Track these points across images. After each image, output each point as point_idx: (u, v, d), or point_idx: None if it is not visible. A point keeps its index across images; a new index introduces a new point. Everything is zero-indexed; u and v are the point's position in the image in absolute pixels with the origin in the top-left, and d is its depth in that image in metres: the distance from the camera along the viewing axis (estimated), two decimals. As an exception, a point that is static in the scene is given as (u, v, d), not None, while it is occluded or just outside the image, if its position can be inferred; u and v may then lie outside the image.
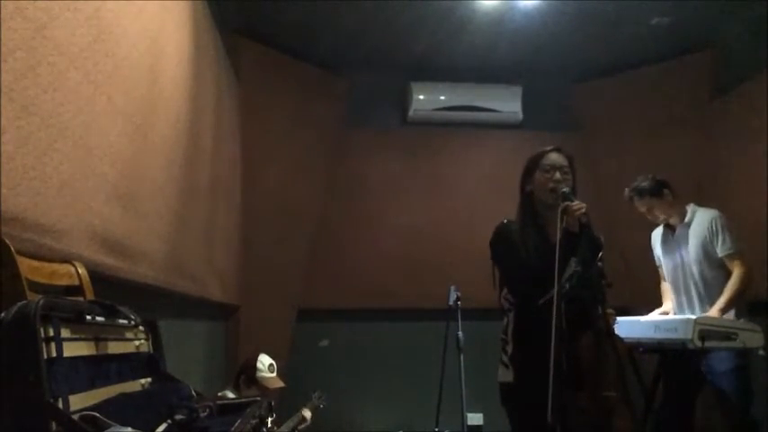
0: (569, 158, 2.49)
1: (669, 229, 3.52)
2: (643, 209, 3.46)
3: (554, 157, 2.47)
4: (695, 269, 3.35)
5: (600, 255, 2.34)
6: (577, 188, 2.46)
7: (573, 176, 2.46)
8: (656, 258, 3.65)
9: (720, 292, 3.22)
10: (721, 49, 4.49)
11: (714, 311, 3.13)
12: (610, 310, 2.31)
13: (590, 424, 2.20)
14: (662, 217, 3.47)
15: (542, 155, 2.49)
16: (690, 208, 3.44)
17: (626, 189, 3.48)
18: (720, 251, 3.26)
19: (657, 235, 3.62)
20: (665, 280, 3.62)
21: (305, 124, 4.70)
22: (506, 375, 2.41)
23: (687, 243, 3.39)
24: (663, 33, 4.32)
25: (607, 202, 4.70)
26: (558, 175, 2.42)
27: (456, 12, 4.09)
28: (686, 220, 3.41)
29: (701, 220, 3.36)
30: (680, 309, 3.46)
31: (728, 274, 3.25)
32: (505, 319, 2.48)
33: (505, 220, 2.55)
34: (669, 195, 3.41)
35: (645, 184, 3.42)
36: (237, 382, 3.35)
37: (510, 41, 4.45)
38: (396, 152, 5.08)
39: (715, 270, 3.29)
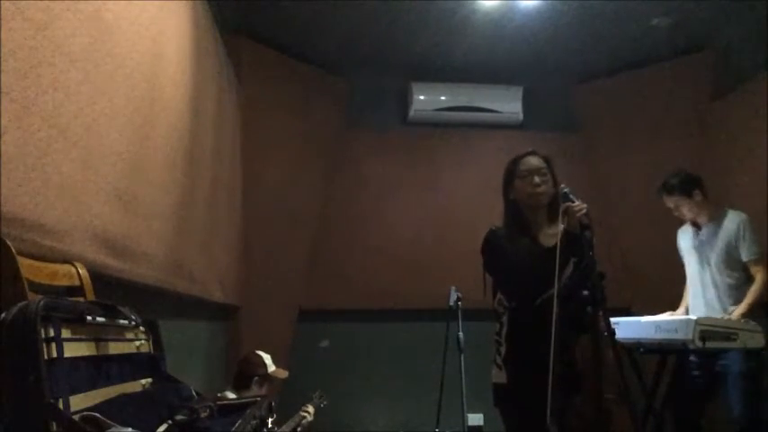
0: (546, 160, 2.47)
1: (695, 227, 3.47)
2: (670, 205, 3.41)
3: (530, 161, 2.45)
4: (716, 271, 3.32)
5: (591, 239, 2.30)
6: (558, 187, 2.44)
7: (552, 177, 2.45)
8: (681, 256, 3.62)
9: (740, 295, 3.22)
10: (721, 50, 4.49)
11: (735, 315, 3.12)
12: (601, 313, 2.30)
13: (588, 427, 2.20)
14: (687, 216, 3.42)
15: (517, 160, 2.48)
16: (720, 208, 3.39)
17: (658, 182, 3.42)
18: (745, 255, 3.24)
19: (685, 233, 3.57)
20: (687, 284, 3.59)
21: (305, 124, 4.70)
22: (500, 376, 2.41)
23: (712, 244, 3.35)
24: (663, 33, 4.32)
25: (607, 202, 4.71)
26: (536, 179, 2.40)
27: (456, 12, 4.08)
28: (714, 220, 3.36)
29: (729, 222, 3.32)
30: (697, 309, 3.42)
31: (750, 278, 3.24)
32: (499, 323, 2.49)
33: (493, 227, 2.54)
34: (699, 195, 3.35)
35: (675, 180, 3.36)
36: (244, 383, 3.32)
37: (510, 42, 4.45)
38: (396, 153, 5.08)
39: (737, 273, 3.27)
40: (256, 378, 3.30)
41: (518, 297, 2.44)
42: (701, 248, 3.42)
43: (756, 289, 3.18)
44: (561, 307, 2.14)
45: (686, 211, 3.39)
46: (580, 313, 2.20)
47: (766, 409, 3.17)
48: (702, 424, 3.37)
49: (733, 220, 3.31)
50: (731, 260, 3.28)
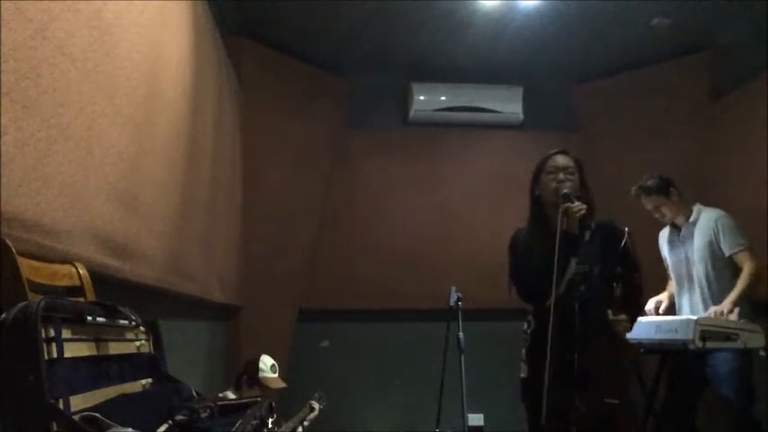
0: (576, 160, 2.54)
1: (675, 228, 3.52)
2: (649, 207, 3.46)
3: (558, 159, 2.54)
4: (700, 269, 3.35)
5: (624, 243, 2.33)
6: (590, 189, 2.50)
7: (581, 178, 2.51)
8: (663, 258, 3.65)
9: (724, 292, 3.23)
10: (721, 50, 4.48)
11: (726, 304, 3.13)
12: (622, 316, 2.31)
13: (590, 428, 2.20)
14: (668, 216, 3.47)
15: (547, 158, 2.56)
16: (695, 208, 3.44)
17: (633, 187, 3.49)
18: (728, 250, 3.26)
19: (664, 235, 3.62)
20: (672, 280, 3.61)
21: (305, 125, 4.70)
22: (523, 371, 2.53)
23: (692, 243, 3.39)
24: (663, 34, 4.32)
25: (607, 203, 4.69)
26: (561, 175, 2.46)
27: (456, 12, 4.08)
28: (691, 219, 3.41)
29: (706, 220, 3.37)
30: (683, 308, 3.44)
31: (733, 274, 3.25)
32: (526, 321, 2.59)
33: (518, 228, 2.64)
34: (675, 194, 3.42)
35: (651, 182, 3.42)
36: (239, 382, 3.36)
37: (510, 42, 4.45)
38: (396, 153, 5.08)
39: (719, 270, 3.29)
40: (245, 377, 3.34)
41: (528, 298, 2.54)
42: (682, 249, 3.46)
43: (745, 277, 3.19)
44: (581, 308, 2.18)
45: (666, 210, 3.45)
46: (593, 315, 2.22)
47: (760, 407, 3.18)
48: (696, 423, 3.38)
49: (710, 218, 3.36)
50: (713, 258, 3.31)
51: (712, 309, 3.16)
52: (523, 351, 2.56)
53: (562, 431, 2.21)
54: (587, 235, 2.30)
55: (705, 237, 3.34)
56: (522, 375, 2.54)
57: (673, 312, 3.47)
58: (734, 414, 3.17)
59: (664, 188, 3.40)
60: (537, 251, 2.44)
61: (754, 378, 3.19)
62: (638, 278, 2.42)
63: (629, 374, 2.36)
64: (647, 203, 3.46)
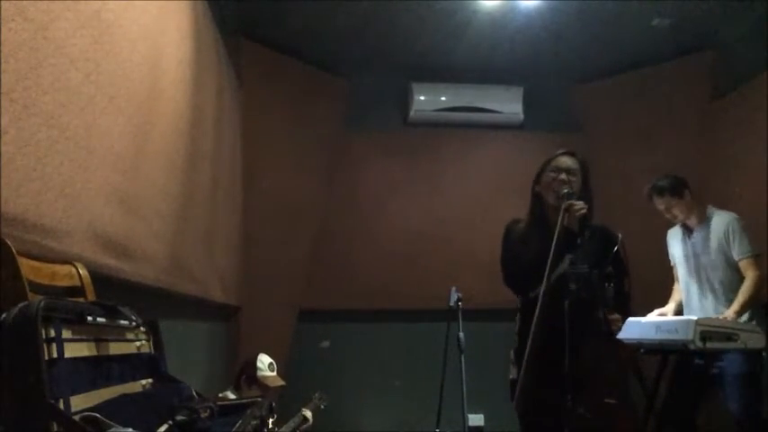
0: (582, 162, 2.55)
1: (686, 229, 3.49)
2: (661, 207, 3.43)
3: (562, 160, 2.55)
4: (711, 272, 3.34)
5: (615, 250, 2.34)
6: (592, 191, 2.51)
7: (585, 180, 2.51)
8: (670, 258, 3.63)
9: (734, 296, 3.22)
10: (721, 50, 4.48)
11: (729, 314, 3.12)
12: (615, 315, 2.31)
13: (589, 430, 2.20)
14: (680, 217, 3.45)
15: (552, 158, 2.58)
16: (708, 210, 3.42)
17: (646, 186, 3.47)
18: (736, 254, 3.25)
19: (675, 234, 3.59)
20: (678, 281, 3.60)
21: (305, 125, 4.70)
22: (512, 372, 2.51)
23: (704, 245, 3.37)
24: (663, 34, 4.32)
25: (607, 202, 4.70)
26: (562, 176, 2.47)
27: (457, 12, 4.08)
28: (704, 223, 3.39)
29: (718, 222, 3.35)
30: (692, 310, 3.43)
31: (743, 278, 3.24)
32: (516, 320, 2.59)
33: (515, 218, 2.66)
34: (688, 195, 3.39)
35: (665, 182, 3.39)
36: (238, 382, 3.36)
37: (510, 42, 4.45)
38: (396, 153, 5.08)
39: (731, 274, 3.29)
40: (244, 376, 3.34)
41: (512, 287, 2.56)
42: (693, 251, 3.44)
43: (748, 287, 3.19)
44: (573, 308, 2.19)
45: (678, 211, 3.42)
46: (585, 315, 2.22)
47: (766, 409, 3.17)
48: (699, 424, 3.38)
49: (722, 221, 3.34)
50: (726, 261, 3.30)
51: (703, 317, 3.16)
52: (512, 352, 2.54)
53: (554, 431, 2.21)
54: (586, 234, 2.30)
55: (717, 240, 3.32)
56: (510, 377, 2.52)
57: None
58: (740, 416, 3.16)
59: (677, 189, 3.37)
60: (529, 243, 2.46)
61: (763, 380, 3.17)
62: (627, 284, 2.43)
63: (628, 374, 2.36)
64: (660, 204, 3.43)
